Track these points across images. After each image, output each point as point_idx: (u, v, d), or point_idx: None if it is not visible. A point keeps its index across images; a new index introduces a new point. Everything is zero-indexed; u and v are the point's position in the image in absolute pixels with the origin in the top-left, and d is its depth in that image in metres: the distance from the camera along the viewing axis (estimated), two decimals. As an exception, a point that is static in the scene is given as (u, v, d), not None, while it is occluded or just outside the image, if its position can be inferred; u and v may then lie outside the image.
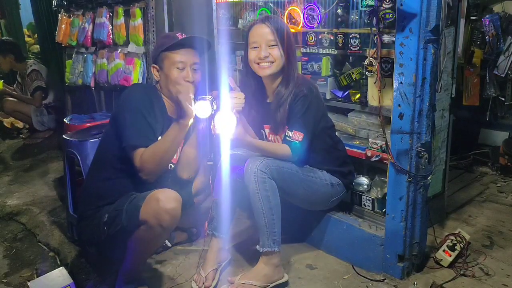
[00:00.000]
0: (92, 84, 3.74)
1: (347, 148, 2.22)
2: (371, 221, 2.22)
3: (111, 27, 3.47)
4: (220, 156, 2.02)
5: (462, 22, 2.83)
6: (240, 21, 2.67)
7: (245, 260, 2.25)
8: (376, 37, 1.92)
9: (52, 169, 3.84)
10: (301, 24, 2.31)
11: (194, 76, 2.00)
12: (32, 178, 3.67)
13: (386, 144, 1.95)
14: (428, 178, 1.95)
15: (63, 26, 3.94)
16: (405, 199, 1.95)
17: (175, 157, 2.11)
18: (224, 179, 2.03)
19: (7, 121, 5.02)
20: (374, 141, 2.15)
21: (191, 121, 1.89)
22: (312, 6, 2.26)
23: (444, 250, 2.11)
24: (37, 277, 2.17)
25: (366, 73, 2.06)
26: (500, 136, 3.40)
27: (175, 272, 2.20)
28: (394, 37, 1.87)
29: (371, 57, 1.98)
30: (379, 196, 2.19)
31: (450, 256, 2.09)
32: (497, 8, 3.21)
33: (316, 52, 2.34)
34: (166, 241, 2.34)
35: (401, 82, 1.86)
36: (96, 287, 2.09)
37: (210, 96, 1.92)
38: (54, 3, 4.08)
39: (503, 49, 3.11)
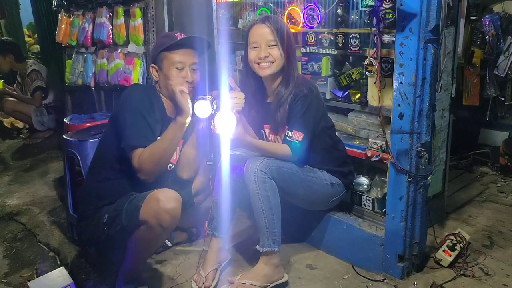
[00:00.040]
0: (92, 84, 3.74)
1: (347, 148, 2.22)
2: (371, 221, 2.22)
3: (111, 27, 3.47)
4: (220, 156, 2.02)
5: (462, 22, 2.83)
6: (240, 21, 2.67)
7: (245, 260, 2.25)
8: (376, 37, 1.92)
9: (52, 169, 3.84)
10: (301, 24, 2.31)
11: (193, 76, 2.00)
12: (32, 178, 3.67)
13: (386, 144, 1.95)
14: (428, 178, 1.95)
15: (63, 26, 3.94)
16: (405, 199, 1.95)
17: (174, 157, 2.11)
18: (224, 179, 2.03)
19: (7, 121, 5.02)
20: (374, 141, 2.15)
21: (188, 119, 1.88)
22: (312, 6, 2.26)
23: (444, 250, 2.11)
24: (37, 277, 2.17)
25: (366, 73, 2.06)
26: (500, 136, 3.40)
27: (175, 272, 2.20)
28: (394, 37, 1.86)
29: (371, 57, 1.98)
30: (379, 196, 2.19)
31: (450, 256, 2.09)
32: (497, 8, 3.21)
33: (316, 52, 2.34)
34: (166, 241, 2.34)
35: (401, 82, 1.86)
36: (96, 287, 2.09)
37: (210, 96, 1.91)
38: (54, 3, 4.08)
39: (503, 49, 3.11)
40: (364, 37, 2.11)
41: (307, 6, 2.27)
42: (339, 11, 2.18)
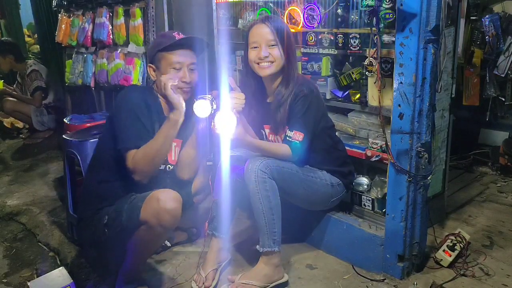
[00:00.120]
0: (92, 84, 3.74)
1: (347, 148, 2.22)
2: (371, 221, 2.22)
3: (111, 27, 3.46)
4: (220, 156, 2.02)
5: (462, 22, 2.84)
6: (240, 21, 2.67)
7: (245, 260, 2.25)
8: (376, 37, 1.92)
9: (52, 169, 3.84)
10: (301, 24, 2.31)
11: (191, 76, 1.99)
12: (32, 178, 3.67)
13: (386, 144, 1.95)
14: (428, 178, 1.95)
15: (63, 26, 3.94)
16: (405, 199, 1.95)
17: (173, 158, 2.10)
18: (224, 179, 2.03)
19: (7, 121, 5.02)
20: (374, 141, 2.15)
21: (181, 116, 1.87)
22: (312, 6, 2.26)
23: (444, 250, 2.11)
24: (37, 277, 2.17)
25: (366, 73, 2.06)
26: (500, 136, 3.40)
27: (175, 272, 2.20)
28: (394, 37, 1.87)
29: (371, 57, 1.98)
30: (379, 196, 2.19)
31: (450, 256, 2.09)
32: (497, 8, 3.21)
33: (316, 52, 2.34)
34: (166, 241, 2.34)
35: (401, 82, 1.86)
36: (96, 287, 2.09)
37: (210, 96, 1.91)
38: (54, 3, 4.08)
39: (503, 49, 3.12)
40: (364, 37, 2.11)
41: (307, 6, 2.27)
42: (339, 11, 2.18)
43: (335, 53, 2.27)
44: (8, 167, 4.02)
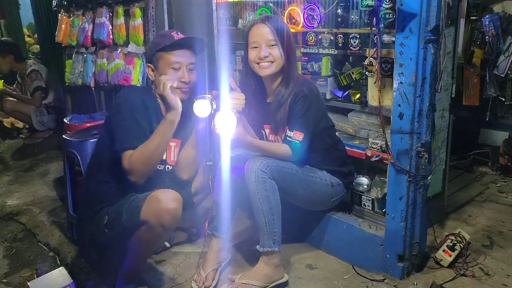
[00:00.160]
0: (92, 84, 3.74)
1: (347, 148, 2.22)
2: (371, 221, 2.22)
3: (111, 27, 3.46)
4: (220, 156, 2.02)
5: (462, 22, 2.84)
6: (240, 21, 2.67)
7: (245, 260, 2.25)
8: (376, 37, 1.92)
9: (52, 169, 3.84)
10: (301, 24, 2.31)
11: (190, 76, 1.99)
12: (32, 178, 3.67)
13: (386, 144, 1.95)
14: (428, 178, 1.95)
15: (63, 26, 3.94)
16: (405, 199, 1.95)
17: (172, 159, 2.10)
18: (224, 179, 2.03)
19: (7, 121, 5.02)
20: (374, 141, 2.15)
21: (178, 115, 1.87)
22: (312, 6, 2.26)
23: (444, 250, 2.11)
24: (37, 277, 2.17)
25: (366, 73, 2.06)
26: (500, 136, 3.40)
27: (175, 272, 2.20)
28: (394, 37, 1.87)
29: (371, 57, 1.98)
30: (379, 196, 2.19)
31: (450, 256, 2.09)
32: (497, 8, 3.21)
33: (316, 52, 2.34)
34: (166, 242, 2.34)
35: (401, 82, 1.86)
36: (96, 287, 2.10)
37: (209, 96, 1.91)
38: (54, 3, 4.08)
39: (503, 49, 3.12)
40: (364, 37, 2.11)
41: (307, 6, 2.27)
42: (339, 11, 2.19)
43: (335, 53, 2.27)
44: (8, 167, 4.02)
